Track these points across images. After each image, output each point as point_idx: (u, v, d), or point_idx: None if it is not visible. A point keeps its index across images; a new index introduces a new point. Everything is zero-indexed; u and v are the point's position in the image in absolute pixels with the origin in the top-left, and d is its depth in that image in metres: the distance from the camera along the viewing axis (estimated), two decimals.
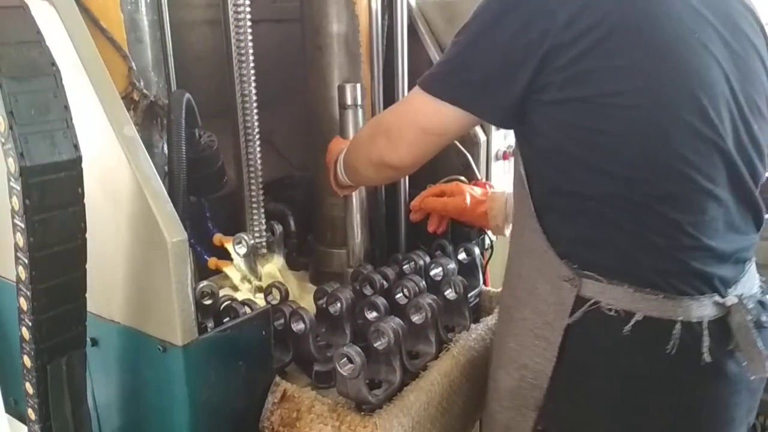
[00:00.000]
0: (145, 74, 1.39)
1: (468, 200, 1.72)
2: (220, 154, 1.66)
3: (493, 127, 1.90)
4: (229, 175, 1.79)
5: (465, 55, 1.17)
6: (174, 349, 1.18)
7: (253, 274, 1.72)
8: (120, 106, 1.15)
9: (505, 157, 1.96)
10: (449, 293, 1.55)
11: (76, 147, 0.99)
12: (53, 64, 0.99)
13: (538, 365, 1.24)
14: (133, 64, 1.33)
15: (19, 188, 0.95)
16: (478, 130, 1.89)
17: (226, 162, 1.74)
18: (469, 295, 1.59)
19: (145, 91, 1.35)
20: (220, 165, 1.66)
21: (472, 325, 1.54)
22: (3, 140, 0.94)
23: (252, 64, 1.63)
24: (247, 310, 1.39)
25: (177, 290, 1.14)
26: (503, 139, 1.96)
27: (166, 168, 1.41)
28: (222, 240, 1.73)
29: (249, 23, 1.60)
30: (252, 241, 1.68)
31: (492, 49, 1.14)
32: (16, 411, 1.61)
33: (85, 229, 1.04)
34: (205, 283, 1.50)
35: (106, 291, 1.26)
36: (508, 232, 1.64)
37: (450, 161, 1.95)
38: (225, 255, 1.77)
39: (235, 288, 1.75)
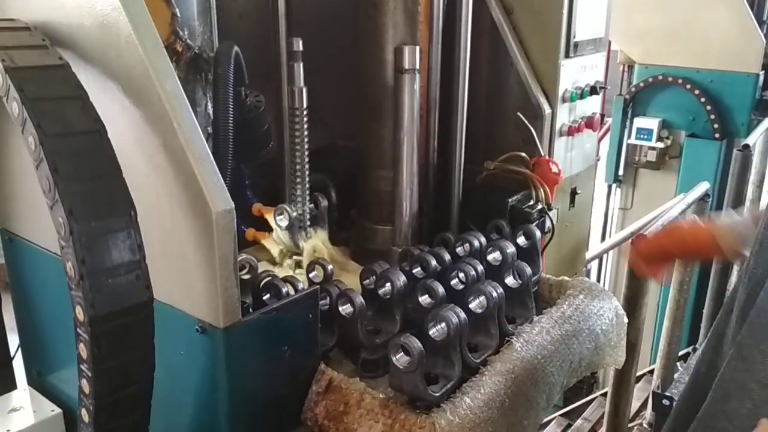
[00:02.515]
0: (189, 23, 1.25)
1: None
2: (267, 116, 1.52)
3: (560, 99, 1.74)
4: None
5: None
6: (214, 331, 1.07)
7: (295, 249, 1.60)
8: (163, 55, 1.01)
9: (570, 132, 1.80)
10: (510, 280, 1.41)
11: (149, 287, 0.95)
12: (131, 204, 0.94)
13: None
14: (177, 10, 1.19)
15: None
16: (543, 101, 1.73)
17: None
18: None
19: (189, 41, 1.22)
20: (266, 129, 1.52)
21: (535, 317, 1.40)
22: (50, 202, 0.89)
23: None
24: (290, 287, 1.27)
25: (221, 266, 1.02)
26: (568, 112, 1.80)
27: (209, 129, 1.27)
28: (262, 210, 1.61)
29: None
30: (295, 213, 1.55)
31: None
32: (38, 383, 1.52)
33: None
34: (243, 255, 1.38)
35: None
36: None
37: (508, 136, 1.80)
38: (263, 226, 1.65)
39: (273, 262, 1.63)
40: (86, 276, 0.88)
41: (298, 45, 1.51)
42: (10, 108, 0.93)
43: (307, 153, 1.58)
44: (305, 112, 1.55)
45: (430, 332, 1.19)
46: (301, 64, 1.53)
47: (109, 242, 0.90)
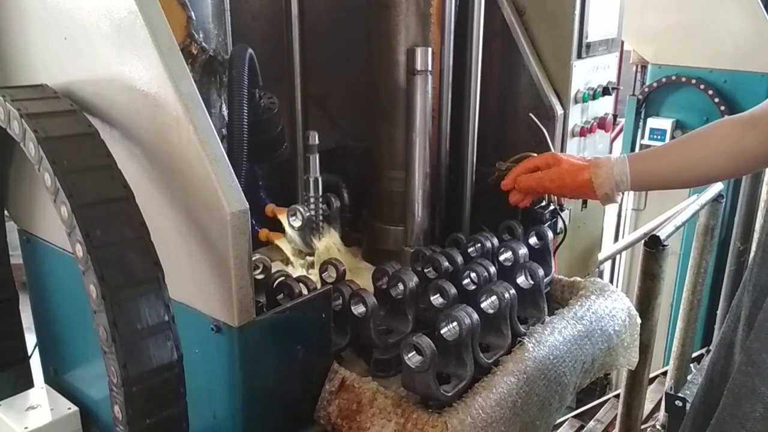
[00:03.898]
0: (204, 26, 1.26)
1: (567, 168, 1.52)
2: (281, 117, 1.53)
3: (572, 100, 1.74)
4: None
5: None
6: (229, 330, 1.08)
7: (307, 249, 1.61)
8: (179, 58, 1.02)
9: (582, 133, 1.80)
10: (522, 281, 1.41)
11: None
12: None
13: None
14: (192, 13, 1.20)
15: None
16: (555, 102, 1.73)
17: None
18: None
19: (204, 44, 1.23)
20: (279, 130, 1.54)
21: (547, 318, 1.40)
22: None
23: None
24: (303, 287, 1.28)
25: (235, 266, 1.03)
26: (581, 113, 1.80)
27: (224, 131, 1.29)
28: (275, 211, 1.62)
29: None
30: (307, 214, 1.56)
31: None
32: (55, 381, 1.54)
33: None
34: (257, 256, 1.40)
35: None
36: (619, 199, 1.49)
37: (520, 137, 1.80)
38: (276, 226, 1.66)
39: (287, 262, 1.64)
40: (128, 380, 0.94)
41: (314, 139, 1.54)
42: (59, 211, 0.96)
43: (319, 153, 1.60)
44: (321, 197, 1.61)
45: (442, 332, 1.19)
46: (317, 156, 1.57)
47: (148, 343, 0.96)
